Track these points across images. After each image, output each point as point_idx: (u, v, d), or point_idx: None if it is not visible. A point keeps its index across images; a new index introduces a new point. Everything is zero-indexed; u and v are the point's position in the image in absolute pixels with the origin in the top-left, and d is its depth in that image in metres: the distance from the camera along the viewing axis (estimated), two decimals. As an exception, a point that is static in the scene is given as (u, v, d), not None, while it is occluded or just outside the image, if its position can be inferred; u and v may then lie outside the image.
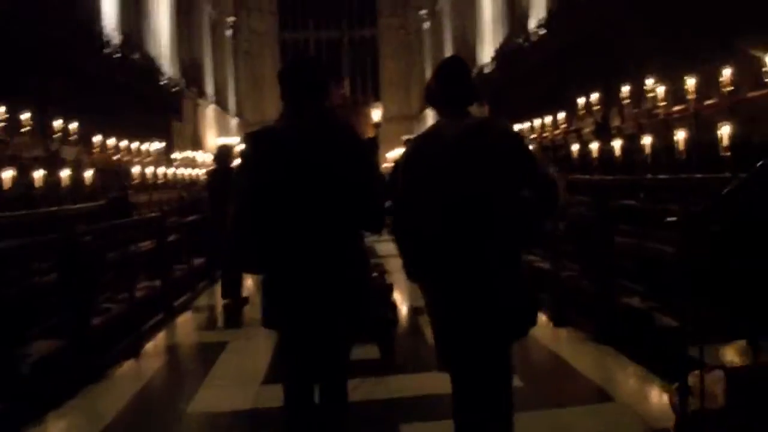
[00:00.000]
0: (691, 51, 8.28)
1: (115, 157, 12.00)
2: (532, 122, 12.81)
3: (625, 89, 9.02)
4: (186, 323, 7.34)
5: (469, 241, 2.55)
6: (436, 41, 31.09)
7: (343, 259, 2.63)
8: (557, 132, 11.59)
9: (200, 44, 26.48)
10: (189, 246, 8.83)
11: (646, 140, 6.57)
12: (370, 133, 8.28)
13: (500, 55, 18.95)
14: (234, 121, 31.68)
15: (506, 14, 20.21)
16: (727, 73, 6.55)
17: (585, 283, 5.60)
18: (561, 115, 11.47)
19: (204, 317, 7.70)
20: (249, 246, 2.64)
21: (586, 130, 10.59)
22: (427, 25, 33.11)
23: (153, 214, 8.41)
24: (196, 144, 23.09)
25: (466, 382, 2.73)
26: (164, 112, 19.38)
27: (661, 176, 6.30)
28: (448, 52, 28.00)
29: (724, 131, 5.31)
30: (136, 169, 10.52)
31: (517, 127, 13.58)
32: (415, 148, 2.78)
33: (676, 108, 7.58)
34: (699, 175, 5.60)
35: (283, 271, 2.60)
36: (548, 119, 12.02)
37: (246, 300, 7.65)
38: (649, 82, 8.25)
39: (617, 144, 7.41)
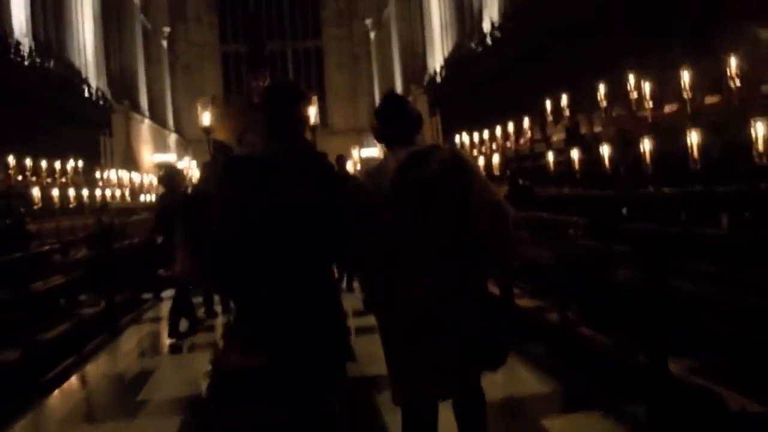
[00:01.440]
0: (675, 45, 7.30)
1: (19, 177, 10.41)
2: (492, 131, 11.71)
3: (602, 89, 7.96)
4: (52, 411, 4.90)
5: (415, 272, 2.60)
6: (383, 51, 30.07)
7: (316, 290, 2.67)
8: (522, 141, 10.50)
9: (132, 55, 24.75)
10: (82, 288, 7.14)
11: (646, 145, 5.46)
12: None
13: (451, 61, 17.94)
14: (173, 137, 29.93)
15: (456, 19, 19.23)
16: (734, 64, 5.51)
17: (599, 338, 4.24)
18: (525, 123, 10.39)
19: (83, 397, 5.33)
20: (225, 270, 2.69)
21: (555, 138, 9.54)
22: (373, 34, 32.09)
23: (47, 247, 6.90)
24: (129, 162, 21.36)
25: (419, 420, 2.71)
26: (91, 127, 17.70)
27: (667, 190, 5.18)
28: (396, 61, 27.07)
29: (759, 132, 4.18)
30: (38, 192, 8.96)
31: (475, 136, 12.50)
32: (364, 182, 2.85)
33: (669, 109, 6.53)
34: (722, 189, 4.49)
35: (257, 299, 2.64)
36: (510, 127, 10.93)
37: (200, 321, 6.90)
38: (631, 79, 7.18)
39: (606, 151, 6.28)
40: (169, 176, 7.26)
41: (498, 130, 11.40)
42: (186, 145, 30.48)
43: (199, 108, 7.35)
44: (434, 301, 2.55)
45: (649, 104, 6.63)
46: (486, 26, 14.89)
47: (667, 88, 7.01)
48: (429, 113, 20.15)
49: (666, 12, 7.80)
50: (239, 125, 6.06)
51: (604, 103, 7.91)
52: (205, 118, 7.15)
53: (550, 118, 9.72)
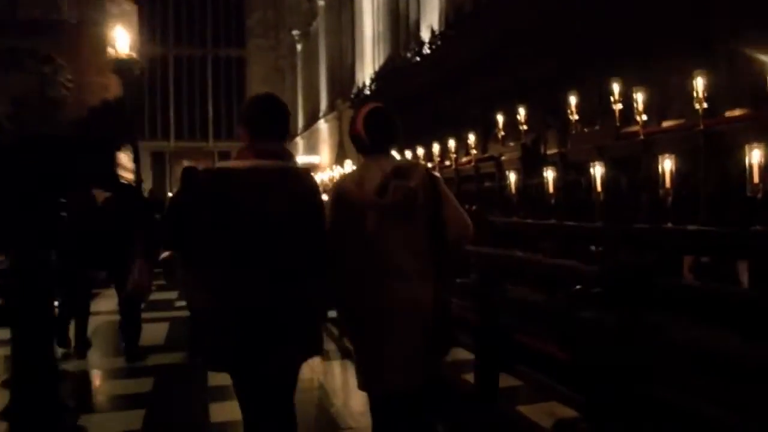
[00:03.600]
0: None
1: None
2: (429, 147, 10.18)
3: (572, 101, 6.53)
4: None
5: (391, 272, 2.77)
6: (309, 64, 28.47)
7: (297, 297, 2.62)
8: (465, 160, 9.00)
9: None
10: None
11: (666, 166, 3.98)
12: (110, 86, 4.49)
13: (383, 73, 16.45)
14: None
15: (390, 30, 17.82)
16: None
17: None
18: (470, 139, 8.88)
19: None
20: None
21: (506, 156, 8.07)
22: (300, 46, 30.46)
23: None
24: None
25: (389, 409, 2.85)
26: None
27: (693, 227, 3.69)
28: (323, 74, 25.52)
29: None
30: None
31: (408, 154, 10.95)
32: (347, 186, 2.92)
33: (668, 123, 5.12)
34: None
35: (231, 304, 2.57)
36: (451, 143, 9.43)
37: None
38: (616, 88, 5.76)
39: (598, 173, 4.75)
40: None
41: (436, 148, 9.87)
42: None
43: None
44: (408, 295, 2.73)
45: (642, 118, 5.18)
46: (425, 35, 13.46)
47: (654, 102, 5.66)
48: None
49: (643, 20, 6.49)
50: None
51: (574, 117, 6.47)
52: None
53: (502, 133, 8.25)
